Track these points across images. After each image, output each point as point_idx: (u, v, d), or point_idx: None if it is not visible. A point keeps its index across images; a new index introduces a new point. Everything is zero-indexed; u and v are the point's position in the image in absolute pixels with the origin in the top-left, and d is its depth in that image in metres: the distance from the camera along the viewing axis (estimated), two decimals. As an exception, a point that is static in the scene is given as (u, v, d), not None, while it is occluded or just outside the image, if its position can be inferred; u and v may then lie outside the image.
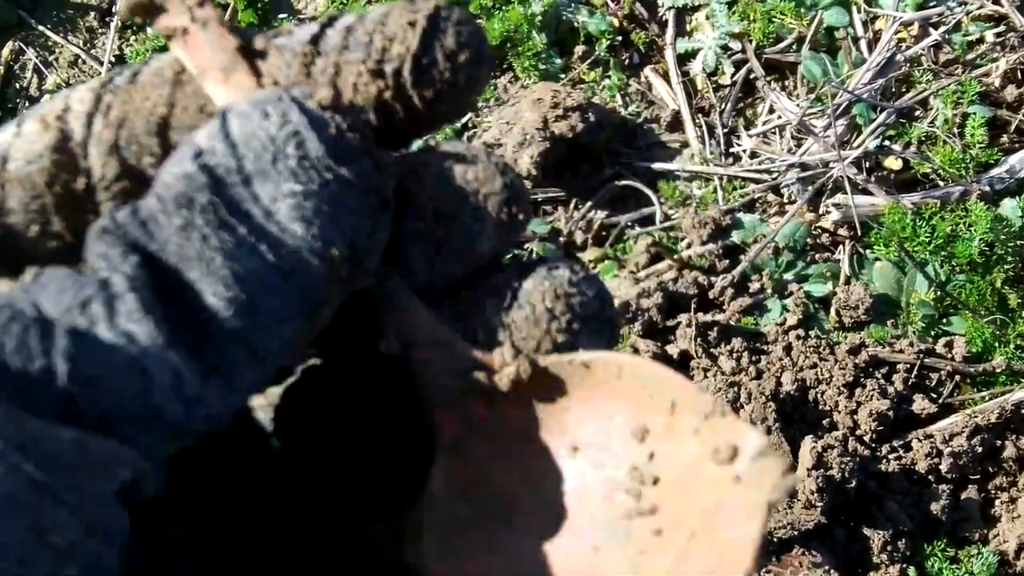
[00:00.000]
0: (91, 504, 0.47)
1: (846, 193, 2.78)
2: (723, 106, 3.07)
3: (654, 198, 2.95)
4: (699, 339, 2.68)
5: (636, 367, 0.57)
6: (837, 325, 2.77)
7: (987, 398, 2.63)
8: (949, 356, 2.68)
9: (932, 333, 2.73)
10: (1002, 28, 3.07)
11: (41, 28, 3.19)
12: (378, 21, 0.61)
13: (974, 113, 2.89)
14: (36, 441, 0.46)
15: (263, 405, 0.68)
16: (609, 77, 3.10)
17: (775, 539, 2.42)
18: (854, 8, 3.10)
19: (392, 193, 0.59)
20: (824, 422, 2.59)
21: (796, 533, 2.43)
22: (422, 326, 0.61)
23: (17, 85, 3.22)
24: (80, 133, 0.62)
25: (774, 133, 3.02)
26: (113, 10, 3.26)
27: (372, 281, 0.59)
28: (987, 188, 2.82)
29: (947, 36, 3.05)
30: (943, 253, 2.74)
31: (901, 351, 2.68)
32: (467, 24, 0.62)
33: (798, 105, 2.98)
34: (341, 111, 0.58)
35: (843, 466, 2.43)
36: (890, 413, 2.58)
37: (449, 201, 0.60)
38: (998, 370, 2.66)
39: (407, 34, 0.60)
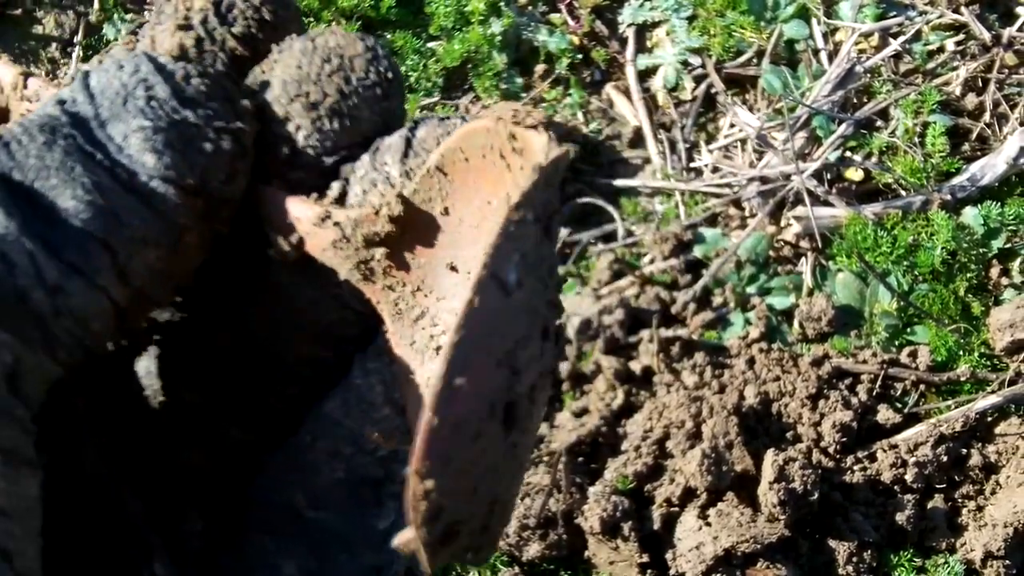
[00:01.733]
0: None
1: (806, 205, 2.78)
2: (684, 121, 3.07)
3: (616, 215, 2.95)
4: (662, 354, 2.67)
5: (467, 139, 0.58)
6: (800, 337, 2.76)
7: (952, 407, 2.62)
8: (913, 366, 2.67)
9: (896, 343, 2.72)
10: (962, 37, 3.08)
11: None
12: None
13: (934, 122, 2.89)
14: None
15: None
16: (570, 95, 3.11)
17: (739, 553, 2.41)
18: (814, 20, 3.11)
19: (251, 140, 0.62)
20: (788, 435, 2.58)
21: (760, 547, 2.41)
22: (292, 212, 0.63)
23: (-19, 117, 3.22)
24: (13, 100, 0.69)
25: (735, 147, 3.03)
26: (75, 40, 3.26)
27: (227, 227, 0.63)
28: (948, 197, 2.82)
29: (907, 46, 3.06)
30: (905, 263, 2.73)
31: (865, 362, 2.67)
32: None
33: (758, 119, 2.98)
34: (190, 60, 0.64)
35: (805, 478, 2.42)
36: (854, 424, 2.57)
37: (315, 70, 0.61)
38: (962, 379, 2.65)
39: None
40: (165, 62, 0.60)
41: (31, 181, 0.55)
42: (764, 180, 2.88)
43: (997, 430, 2.63)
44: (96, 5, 3.32)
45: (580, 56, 3.18)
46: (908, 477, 2.54)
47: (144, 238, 0.57)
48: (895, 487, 2.56)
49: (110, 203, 0.56)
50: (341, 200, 0.64)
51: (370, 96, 0.61)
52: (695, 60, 3.13)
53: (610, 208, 2.96)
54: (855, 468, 2.55)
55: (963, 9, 3.04)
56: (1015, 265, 2.77)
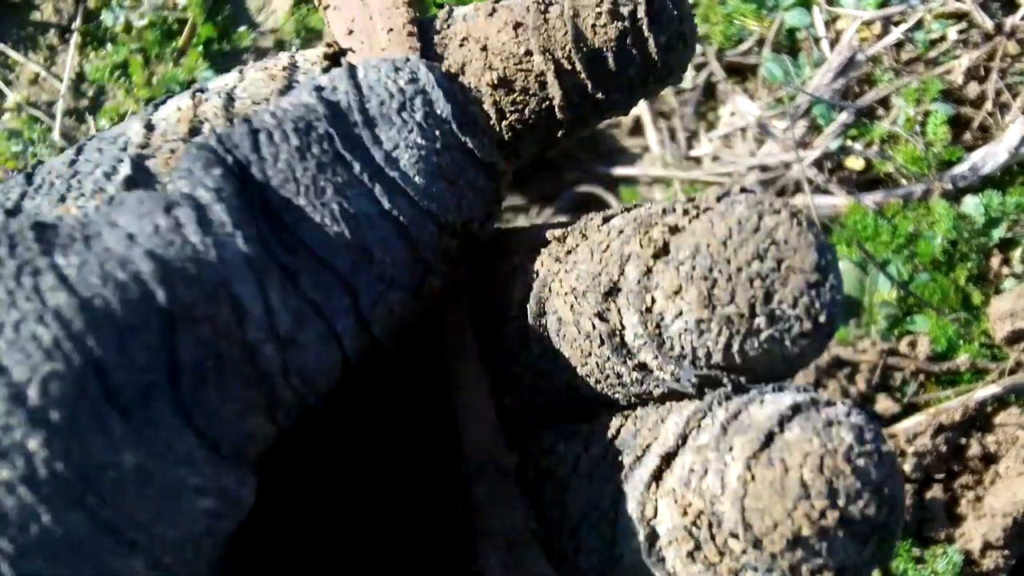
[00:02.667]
0: (163, 549, 0.40)
1: (806, 194, 2.76)
2: (684, 110, 3.05)
3: (615, 204, 2.93)
4: (660, 343, 2.66)
5: None
6: (799, 326, 2.75)
7: (951, 396, 2.61)
8: (912, 355, 2.66)
9: (895, 333, 2.71)
10: (964, 25, 3.06)
11: (1, 46, 3.18)
12: None
13: (936, 111, 2.88)
14: (100, 467, 0.38)
15: None
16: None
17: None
18: (815, 8, 3.09)
19: (503, 187, 0.55)
20: (786, 424, 2.57)
21: (757, 536, 2.40)
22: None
23: (-23, 104, 3.22)
24: None
25: (736, 135, 3.01)
26: (72, 27, 3.25)
27: (463, 287, 0.55)
28: (949, 186, 2.81)
29: (909, 34, 3.04)
30: (905, 252, 2.72)
31: (864, 351, 2.66)
32: None
33: (759, 107, 2.96)
34: (463, 85, 0.57)
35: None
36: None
37: (742, 263, 0.47)
38: (962, 368, 2.64)
39: None
40: (445, 79, 0.53)
41: (276, 186, 0.47)
42: (764, 169, 2.87)
43: (997, 420, 2.61)
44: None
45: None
46: (907, 467, 2.52)
47: (393, 279, 0.49)
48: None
49: (362, 234, 0.47)
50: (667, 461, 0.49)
51: (794, 335, 0.47)
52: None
53: (609, 197, 2.94)
54: None
55: (966, -3, 3.02)
56: (1016, 254, 2.75)
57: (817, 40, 3.07)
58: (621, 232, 0.51)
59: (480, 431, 0.53)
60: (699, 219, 0.47)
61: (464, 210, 0.50)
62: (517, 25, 0.60)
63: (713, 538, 0.44)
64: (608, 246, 0.51)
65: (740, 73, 3.11)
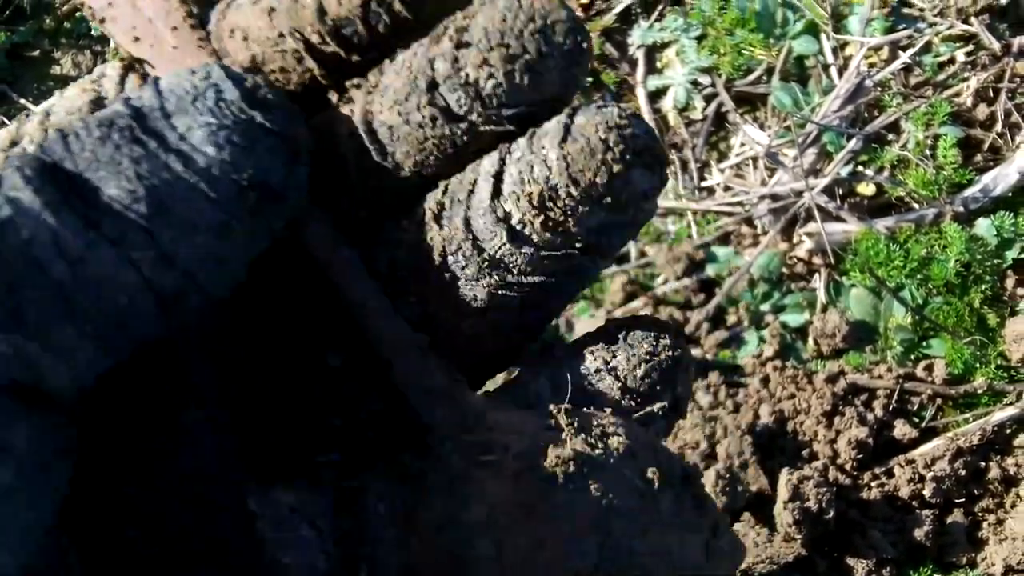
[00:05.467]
0: None
1: (817, 222, 2.78)
2: (695, 141, 3.08)
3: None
4: (676, 375, 2.68)
5: None
6: (815, 354, 2.77)
7: (969, 420, 2.61)
8: (929, 379, 2.67)
9: (911, 357, 2.72)
10: (972, 47, 3.07)
11: (22, 101, 3.25)
12: None
13: (945, 134, 2.89)
14: None
15: None
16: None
17: (756, 574, 2.41)
18: (823, 36, 3.11)
19: (306, 152, 0.66)
20: (803, 453, 2.58)
21: (776, 566, 2.42)
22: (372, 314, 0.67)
23: None
24: (113, 92, 0.73)
25: (747, 165, 3.04)
26: (93, 80, 3.32)
27: (283, 230, 0.66)
28: (961, 208, 2.82)
29: (917, 58, 3.05)
30: (919, 276, 2.73)
31: (880, 377, 2.66)
32: None
33: (769, 136, 2.98)
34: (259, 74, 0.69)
35: (821, 496, 2.42)
36: (870, 440, 2.56)
37: (519, 26, 0.63)
38: (979, 391, 2.64)
39: None
40: (236, 72, 0.63)
41: (81, 171, 0.57)
42: (775, 197, 2.89)
43: (1016, 442, 2.62)
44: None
45: (590, 79, 3.19)
46: (926, 492, 2.53)
47: (192, 222, 0.59)
48: (913, 502, 2.55)
49: (155, 190, 0.58)
50: (438, 218, 0.68)
51: (563, 61, 0.63)
52: (705, 79, 3.14)
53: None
54: (872, 484, 2.55)
55: (973, 19, 3.04)
56: (1030, 275, 2.76)
57: (826, 67, 3.09)
58: (415, 55, 0.66)
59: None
60: (477, 14, 0.64)
61: (260, 171, 0.60)
62: (271, 11, 0.70)
63: (555, 204, 0.64)
64: (411, 64, 0.66)
65: (750, 102, 3.14)
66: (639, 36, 3.22)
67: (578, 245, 0.65)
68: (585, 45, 0.64)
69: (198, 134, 0.59)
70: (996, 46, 3.00)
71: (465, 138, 0.66)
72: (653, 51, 3.24)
